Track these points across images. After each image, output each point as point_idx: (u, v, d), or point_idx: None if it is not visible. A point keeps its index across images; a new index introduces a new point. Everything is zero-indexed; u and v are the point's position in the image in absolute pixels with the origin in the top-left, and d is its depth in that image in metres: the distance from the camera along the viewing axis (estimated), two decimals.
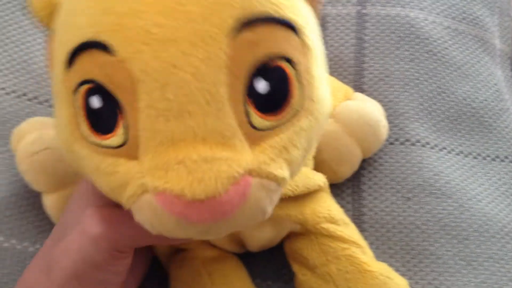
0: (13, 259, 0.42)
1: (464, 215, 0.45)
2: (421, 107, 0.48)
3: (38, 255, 0.34)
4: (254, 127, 0.24)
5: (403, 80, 0.49)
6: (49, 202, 0.40)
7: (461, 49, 0.51)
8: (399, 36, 0.50)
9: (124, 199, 0.25)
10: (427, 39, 0.50)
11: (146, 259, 0.39)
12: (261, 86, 0.24)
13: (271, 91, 0.24)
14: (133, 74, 0.23)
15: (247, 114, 0.24)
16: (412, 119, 0.48)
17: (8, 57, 0.49)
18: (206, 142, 0.23)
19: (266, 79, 0.24)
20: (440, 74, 0.50)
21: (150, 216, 0.24)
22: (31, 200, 0.44)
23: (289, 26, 0.25)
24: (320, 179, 0.37)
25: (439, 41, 0.51)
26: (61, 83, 0.26)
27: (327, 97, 0.28)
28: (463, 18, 0.52)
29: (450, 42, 0.51)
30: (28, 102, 0.48)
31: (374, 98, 0.47)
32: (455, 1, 0.53)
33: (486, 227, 0.45)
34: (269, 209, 0.25)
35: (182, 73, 0.23)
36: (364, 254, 0.37)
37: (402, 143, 0.47)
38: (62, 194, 0.40)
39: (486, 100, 0.50)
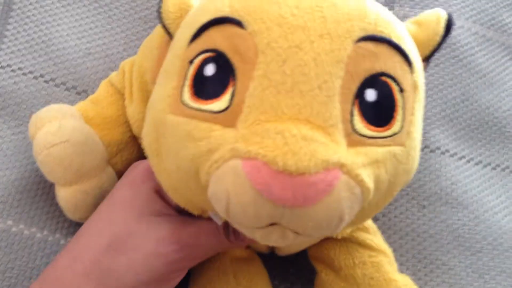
0: (21, 244, 0.39)
1: (479, 227, 0.42)
2: (443, 113, 0.45)
3: (74, 253, 0.31)
4: (354, 130, 0.23)
5: (426, 85, 0.44)
6: (63, 194, 0.37)
7: (487, 56, 0.47)
8: None
9: (207, 165, 0.23)
10: (454, 44, 0.46)
11: None
12: (371, 94, 0.24)
13: (378, 103, 0.24)
14: (258, 46, 0.23)
15: (352, 115, 0.23)
16: (433, 125, 0.44)
17: (27, 36, 0.45)
18: (308, 123, 0.22)
19: (376, 90, 0.24)
20: (465, 80, 0.46)
21: (230, 184, 0.22)
22: (41, 185, 0.41)
23: (407, 60, 0.25)
24: None
25: (466, 47, 0.47)
26: (176, 58, 0.26)
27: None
28: (492, 25, 0.48)
29: (477, 48, 0.47)
30: (45, 84, 0.44)
31: None
32: (484, 7, 0.49)
33: (500, 241, 0.42)
34: (345, 219, 0.23)
35: (304, 54, 0.23)
36: (389, 264, 0.35)
37: (421, 149, 0.43)
38: (76, 189, 0.36)
39: (509, 110, 0.46)
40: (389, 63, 0.24)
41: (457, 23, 0.47)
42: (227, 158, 0.22)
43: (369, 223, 0.36)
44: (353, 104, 0.23)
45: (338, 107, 0.23)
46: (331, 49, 0.23)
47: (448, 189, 0.42)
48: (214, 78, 0.24)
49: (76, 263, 0.30)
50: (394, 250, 0.41)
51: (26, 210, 0.40)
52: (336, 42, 0.23)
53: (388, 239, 0.41)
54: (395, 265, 0.35)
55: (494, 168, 0.45)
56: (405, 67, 0.24)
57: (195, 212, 0.30)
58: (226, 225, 0.31)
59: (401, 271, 0.40)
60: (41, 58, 0.45)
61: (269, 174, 0.21)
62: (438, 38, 0.28)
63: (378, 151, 0.24)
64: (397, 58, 0.24)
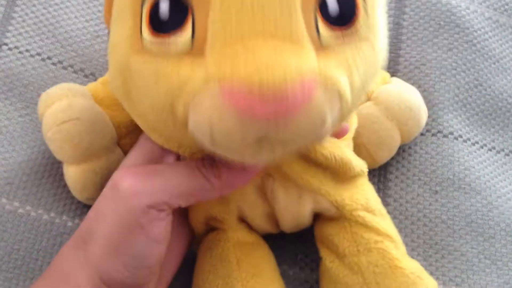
0: (27, 226, 0.38)
1: (492, 213, 0.41)
2: (456, 98, 0.44)
3: (74, 234, 0.31)
4: (320, 36, 0.23)
5: (439, 69, 0.44)
6: (71, 173, 0.36)
7: (501, 41, 0.46)
8: (439, 24, 0.45)
9: (182, 98, 0.23)
10: (467, 28, 0.45)
11: (185, 241, 0.35)
12: None
13: (339, 5, 0.24)
14: None
15: (316, 22, 0.23)
16: (446, 110, 0.43)
17: (35, 18, 0.45)
18: (275, 37, 0.22)
19: None
20: (478, 65, 0.45)
21: (211, 112, 0.22)
22: (48, 166, 0.40)
23: None
24: (360, 164, 0.34)
25: (479, 32, 0.46)
26: None
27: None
28: (505, 10, 0.48)
29: (490, 33, 0.46)
30: (52, 66, 0.43)
31: None
32: None
33: None
34: (329, 121, 0.23)
35: None
36: (397, 249, 0.33)
37: (434, 135, 0.43)
38: (84, 167, 0.36)
39: None
40: None
41: (471, 7, 0.46)
42: (202, 86, 0.22)
43: (375, 205, 0.34)
44: (315, 11, 0.23)
45: (301, 17, 0.22)
46: None
47: (461, 174, 0.41)
48: (171, 11, 0.23)
49: (69, 241, 0.30)
50: (406, 236, 0.40)
51: (33, 192, 0.39)
52: None
53: (399, 224, 0.40)
54: (402, 249, 0.34)
55: (507, 154, 0.44)
56: None
57: (175, 149, 0.30)
58: (202, 161, 0.29)
59: (412, 256, 0.39)
60: (48, 40, 0.44)
61: (248, 94, 0.21)
62: None
63: (346, 51, 0.24)
64: None
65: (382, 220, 0.34)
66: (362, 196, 0.34)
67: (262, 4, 0.22)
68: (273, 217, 0.34)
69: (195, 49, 0.23)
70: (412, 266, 0.32)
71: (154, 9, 0.23)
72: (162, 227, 0.29)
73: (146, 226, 0.28)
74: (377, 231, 0.33)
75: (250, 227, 0.36)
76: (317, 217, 0.36)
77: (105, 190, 0.29)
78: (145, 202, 0.27)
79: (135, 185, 0.28)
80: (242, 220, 0.35)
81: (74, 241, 0.30)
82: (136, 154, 0.31)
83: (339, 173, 0.33)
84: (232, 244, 0.34)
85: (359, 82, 0.25)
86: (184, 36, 0.23)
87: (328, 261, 0.34)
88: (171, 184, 0.28)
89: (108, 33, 0.28)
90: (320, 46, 0.23)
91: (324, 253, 0.35)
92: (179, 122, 0.24)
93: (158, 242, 0.29)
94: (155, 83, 0.24)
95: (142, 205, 0.27)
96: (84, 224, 0.30)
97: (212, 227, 0.35)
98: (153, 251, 0.29)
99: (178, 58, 0.23)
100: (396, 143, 0.40)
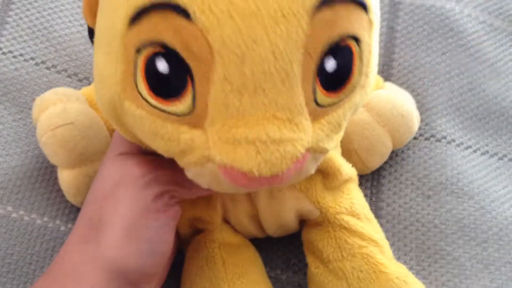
0: (20, 230, 0.38)
1: (484, 217, 0.41)
2: (450, 102, 0.44)
3: (75, 231, 0.31)
4: (317, 104, 0.24)
5: (433, 73, 0.44)
6: (65, 177, 0.37)
7: (495, 45, 0.46)
8: (432, 28, 0.45)
9: (182, 163, 0.25)
10: (461, 32, 0.45)
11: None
12: (330, 65, 0.23)
13: (337, 69, 0.23)
14: (211, 44, 0.21)
15: (314, 92, 0.23)
16: (440, 115, 0.43)
17: (29, 23, 0.45)
18: (275, 119, 0.22)
19: (335, 58, 0.23)
20: (472, 70, 0.45)
21: (210, 179, 0.25)
22: (42, 171, 0.40)
23: (362, 5, 0.23)
24: (349, 169, 0.35)
25: (473, 36, 0.46)
26: (119, 38, 0.23)
27: (375, 69, 0.27)
28: (500, 14, 0.47)
29: (484, 37, 0.46)
30: (46, 71, 0.43)
31: None
32: None
33: (506, 231, 0.41)
34: (313, 172, 0.26)
35: (261, 49, 0.21)
36: (382, 254, 0.33)
37: (427, 139, 0.42)
38: (79, 172, 0.36)
39: None
40: (345, 21, 0.23)
41: (465, 11, 0.46)
42: (203, 162, 0.24)
43: (361, 210, 0.34)
44: (314, 81, 0.23)
45: (301, 92, 0.23)
46: (288, 34, 0.21)
47: (454, 179, 0.41)
48: (170, 76, 0.23)
49: (69, 237, 0.30)
50: (398, 240, 0.40)
51: (26, 197, 0.39)
52: (292, 23, 0.21)
53: (392, 229, 0.40)
54: (389, 253, 0.34)
55: (501, 158, 0.44)
56: (359, 12, 0.23)
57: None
58: None
59: (404, 261, 0.39)
60: (42, 45, 0.44)
61: (247, 179, 0.23)
62: None
63: (339, 114, 0.25)
64: (351, 8, 0.23)
65: (367, 225, 0.34)
66: (347, 200, 0.34)
67: (265, 86, 0.22)
68: (256, 219, 0.35)
69: (195, 120, 0.23)
70: (397, 271, 0.32)
71: (151, 66, 0.22)
72: (172, 212, 0.30)
73: (160, 210, 0.29)
74: (361, 236, 0.33)
75: (235, 229, 0.36)
76: (304, 223, 0.36)
77: (109, 179, 0.30)
78: (159, 187, 0.29)
79: (149, 172, 0.29)
80: (227, 222, 0.35)
81: (78, 236, 0.29)
82: (126, 145, 0.31)
83: (327, 177, 0.33)
84: (217, 245, 0.34)
85: (346, 121, 0.26)
86: (184, 105, 0.23)
87: (313, 267, 0.34)
88: (181, 176, 0.29)
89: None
90: (316, 115, 0.24)
91: (310, 259, 0.35)
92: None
93: (170, 228, 0.30)
94: (154, 139, 0.25)
95: (157, 190, 0.29)
96: (91, 217, 0.29)
97: (198, 229, 0.35)
98: (165, 237, 0.30)
99: (178, 125, 0.23)
100: (388, 149, 0.40)
